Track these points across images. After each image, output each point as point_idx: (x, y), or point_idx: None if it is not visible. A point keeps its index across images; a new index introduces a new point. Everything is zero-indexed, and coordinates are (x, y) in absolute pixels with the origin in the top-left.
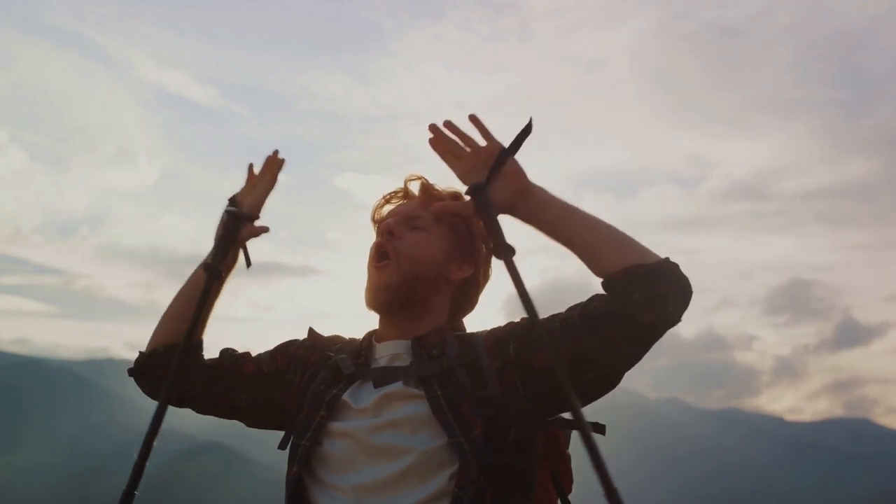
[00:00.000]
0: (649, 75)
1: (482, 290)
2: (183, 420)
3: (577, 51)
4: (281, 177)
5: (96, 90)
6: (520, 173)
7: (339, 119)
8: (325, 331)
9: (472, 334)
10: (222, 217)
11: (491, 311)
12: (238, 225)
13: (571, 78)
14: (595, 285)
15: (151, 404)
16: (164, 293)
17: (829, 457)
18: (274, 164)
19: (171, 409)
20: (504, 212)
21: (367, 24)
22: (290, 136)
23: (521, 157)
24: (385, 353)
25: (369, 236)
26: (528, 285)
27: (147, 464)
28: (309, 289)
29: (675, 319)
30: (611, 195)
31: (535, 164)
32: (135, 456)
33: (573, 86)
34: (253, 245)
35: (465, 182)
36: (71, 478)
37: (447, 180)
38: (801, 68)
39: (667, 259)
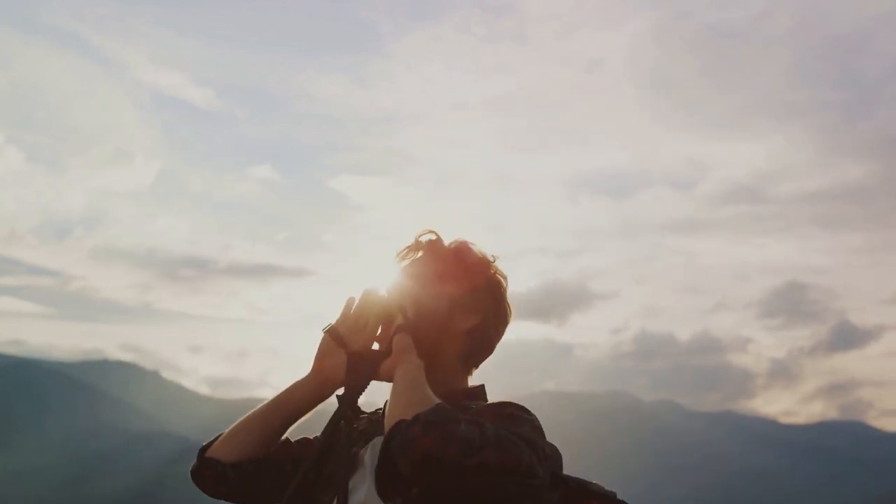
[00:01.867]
0: (647, 77)
1: (496, 334)
2: (176, 422)
3: (575, 52)
4: (276, 178)
5: (94, 91)
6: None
7: (337, 120)
8: (322, 334)
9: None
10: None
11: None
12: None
13: (569, 79)
14: (595, 287)
15: (145, 406)
16: (160, 294)
17: (824, 459)
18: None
19: (162, 408)
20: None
21: (365, 26)
22: (286, 138)
23: (520, 159)
24: None
25: (365, 238)
26: (525, 287)
27: (141, 465)
28: (305, 291)
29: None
30: (608, 197)
31: (533, 166)
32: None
33: (571, 87)
34: (249, 247)
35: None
36: (66, 479)
37: (456, 225)
38: (800, 71)
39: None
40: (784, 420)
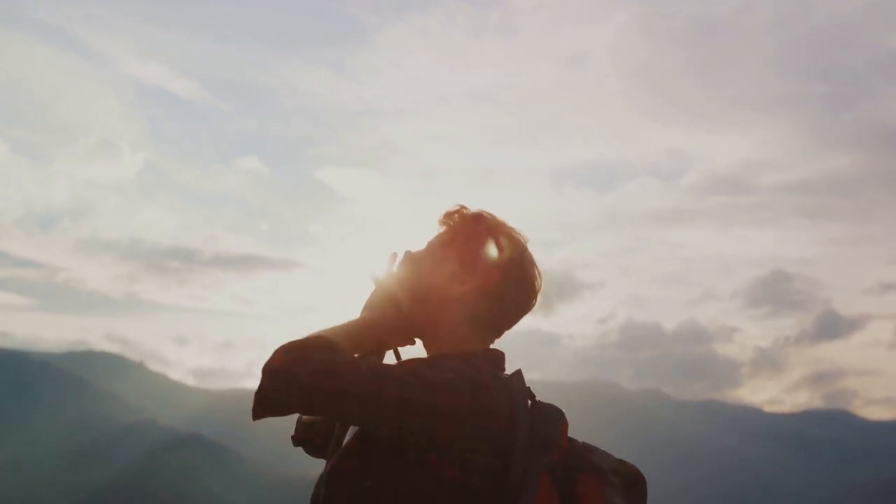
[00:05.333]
0: (633, 69)
1: (506, 298)
2: (163, 413)
3: (559, 46)
4: (262, 169)
5: (78, 84)
6: None
7: (321, 113)
8: (309, 325)
9: None
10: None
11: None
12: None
13: (554, 72)
14: (580, 277)
15: (131, 397)
16: (145, 286)
17: (809, 448)
18: None
19: (148, 399)
20: None
21: (349, 19)
22: (271, 130)
23: (505, 152)
24: None
25: (351, 230)
26: None
27: (128, 456)
28: (291, 283)
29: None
30: (593, 189)
31: (518, 158)
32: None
33: (556, 80)
34: (235, 239)
35: None
36: (53, 471)
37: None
38: (784, 62)
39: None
40: (769, 409)
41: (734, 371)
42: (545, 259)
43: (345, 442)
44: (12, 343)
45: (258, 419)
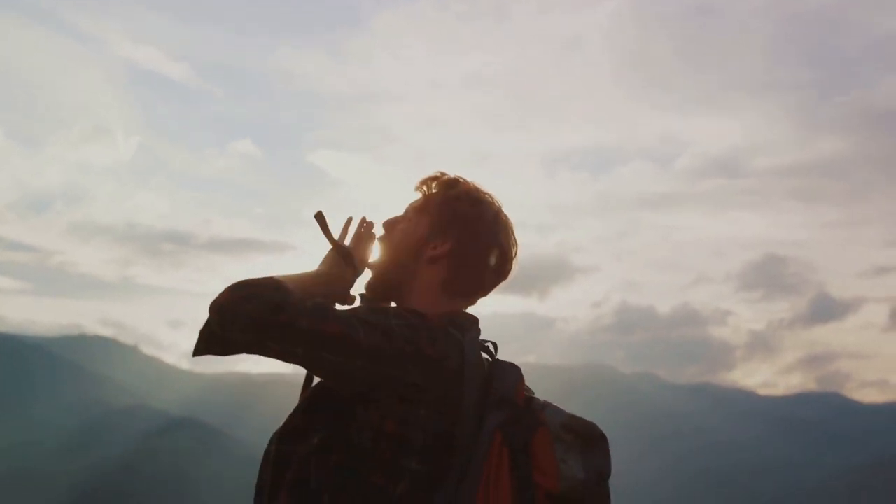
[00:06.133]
0: (625, 54)
1: (476, 262)
2: (157, 396)
3: (553, 30)
4: (256, 153)
5: (70, 67)
6: None
7: (315, 97)
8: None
9: None
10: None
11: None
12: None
13: (547, 57)
14: (574, 261)
15: (125, 381)
16: (140, 270)
17: (802, 431)
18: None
19: (142, 383)
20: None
21: (344, 4)
22: (266, 114)
23: (499, 136)
24: None
25: (345, 214)
26: None
27: (122, 440)
28: (284, 266)
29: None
30: (586, 173)
31: (511, 142)
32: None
33: (549, 64)
34: (229, 222)
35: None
36: (47, 455)
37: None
38: (776, 47)
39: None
40: (763, 392)
41: (728, 354)
42: (539, 243)
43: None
44: (6, 327)
45: (199, 356)
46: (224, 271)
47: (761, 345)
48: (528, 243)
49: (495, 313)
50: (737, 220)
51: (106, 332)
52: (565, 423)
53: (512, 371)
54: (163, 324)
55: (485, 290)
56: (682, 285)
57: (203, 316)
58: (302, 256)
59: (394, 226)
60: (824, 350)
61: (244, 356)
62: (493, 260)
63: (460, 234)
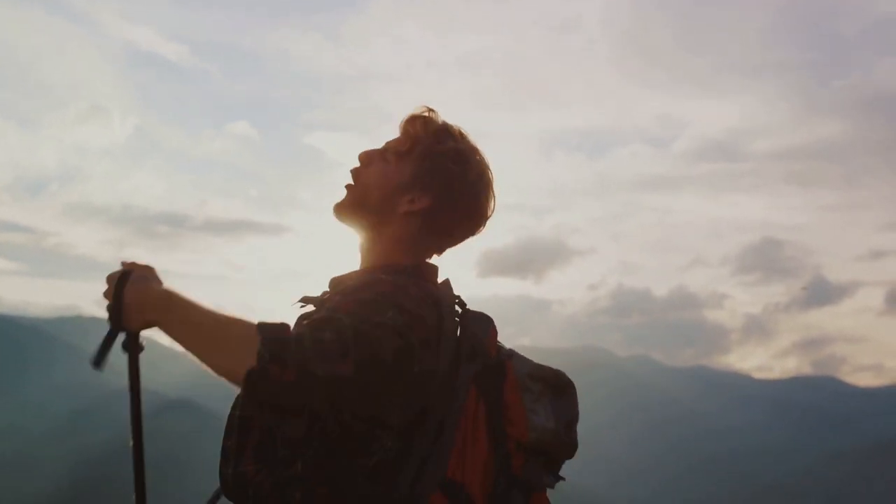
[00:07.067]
0: (622, 36)
1: (453, 220)
2: (152, 378)
3: (550, 11)
4: (252, 134)
5: (65, 47)
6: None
7: (312, 78)
8: (298, 290)
9: (371, 288)
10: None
11: (464, 268)
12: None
13: (544, 38)
14: (571, 243)
15: (122, 362)
16: (136, 251)
17: (797, 415)
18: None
19: (141, 364)
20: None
21: None
22: (261, 95)
23: (495, 117)
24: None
25: (341, 195)
26: (501, 243)
27: (118, 421)
28: (280, 247)
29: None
30: (583, 154)
31: (508, 123)
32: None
33: (546, 46)
34: (225, 203)
35: None
36: (44, 436)
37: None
38: (774, 30)
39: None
40: (758, 375)
41: (724, 337)
42: (536, 225)
43: None
44: (1, 308)
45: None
46: (219, 252)
47: (757, 328)
48: (525, 225)
49: (492, 295)
50: (734, 203)
51: (102, 313)
52: (532, 373)
53: (484, 321)
54: None
55: (454, 244)
56: (678, 268)
57: (199, 298)
58: (297, 238)
59: (371, 161)
60: (820, 334)
61: None
62: (468, 221)
63: (440, 192)
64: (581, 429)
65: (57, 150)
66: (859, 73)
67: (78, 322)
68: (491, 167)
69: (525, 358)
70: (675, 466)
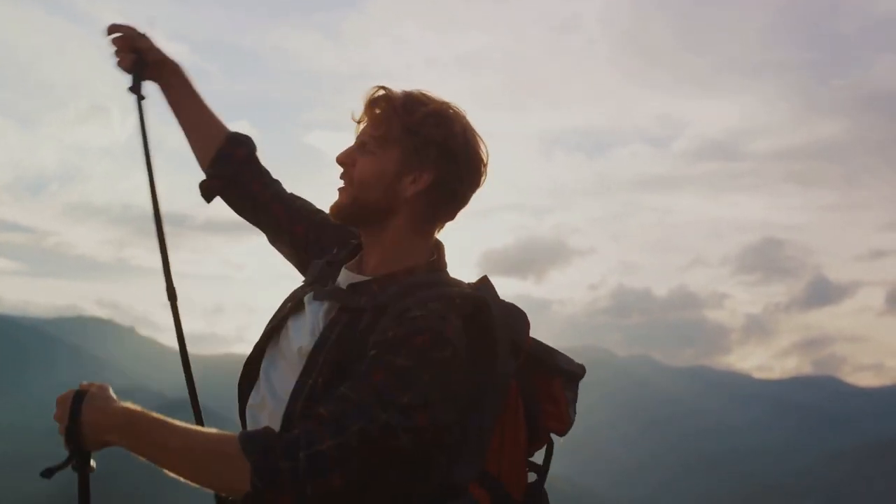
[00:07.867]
0: (622, 36)
1: (461, 186)
2: (154, 377)
3: (549, 11)
4: (252, 134)
5: (65, 47)
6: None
7: (311, 77)
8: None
9: (411, 300)
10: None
11: (465, 268)
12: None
13: (544, 37)
14: (571, 243)
15: (123, 362)
16: (135, 251)
17: (798, 414)
18: None
19: (139, 364)
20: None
21: None
22: (261, 94)
23: (495, 116)
24: (347, 280)
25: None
26: (501, 243)
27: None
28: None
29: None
30: (583, 154)
31: (508, 123)
32: None
33: (546, 46)
34: (223, 205)
35: None
36: (45, 436)
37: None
38: (773, 29)
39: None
40: (758, 375)
41: (724, 337)
42: (536, 225)
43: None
44: (2, 308)
45: None
46: (219, 252)
47: (757, 328)
48: (525, 225)
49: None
50: (734, 202)
51: (102, 313)
52: (564, 369)
53: (519, 315)
54: (159, 305)
55: (465, 205)
56: (678, 268)
57: (199, 297)
58: None
59: (353, 159)
60: (820, 334)
61: (239, 337)
62: (474, 174)
63: (438, 160)
64: (581, 428)
65: (57, 149)
66: (859, 73)
67: (78, 322)
68: (463, 111)
69: (554, 349)
70: (675, 466)
